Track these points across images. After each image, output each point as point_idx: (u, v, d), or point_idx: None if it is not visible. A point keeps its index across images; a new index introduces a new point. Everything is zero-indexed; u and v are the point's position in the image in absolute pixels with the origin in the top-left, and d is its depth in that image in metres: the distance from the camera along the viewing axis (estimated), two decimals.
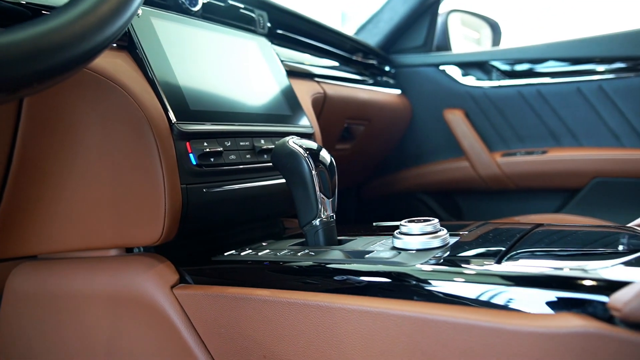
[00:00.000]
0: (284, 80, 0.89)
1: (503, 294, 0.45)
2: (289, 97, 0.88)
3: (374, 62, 1.57)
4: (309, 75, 1.12)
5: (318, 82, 1.14)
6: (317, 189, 0.64)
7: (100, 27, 0.39)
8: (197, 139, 0.65)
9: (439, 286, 0.48)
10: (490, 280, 0.46)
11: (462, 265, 0.50)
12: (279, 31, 1.08)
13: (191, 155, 0.63)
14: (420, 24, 1.68)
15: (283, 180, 0.71)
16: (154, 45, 0.66)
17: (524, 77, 1.53)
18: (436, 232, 0.57)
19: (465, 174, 1.60)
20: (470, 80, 1.60)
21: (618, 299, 0.39)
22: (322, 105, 1.14)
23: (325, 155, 0.66)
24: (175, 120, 0.62)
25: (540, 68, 1.52)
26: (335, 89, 1.20)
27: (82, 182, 0.64)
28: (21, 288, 0.71)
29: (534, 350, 0.40)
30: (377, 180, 1.80)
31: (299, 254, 0.61)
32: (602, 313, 0.39)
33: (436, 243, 0.56)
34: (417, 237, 0.56)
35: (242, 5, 0.90)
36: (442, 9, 1.74)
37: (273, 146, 0.69)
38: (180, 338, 0.59)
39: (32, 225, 0.68)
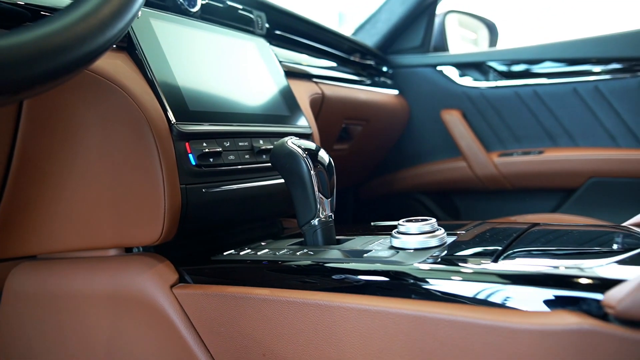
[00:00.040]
0: (282, 81, 0.90)
1: (500, 292, 0.45)
2: (288, 98, 0.88)
3: (371, 62, 1.57)
4: (307, 76, 1.12)
5: (316, 82, 1.15)
6: (316, 189, 0.64)
7: (103, 29, 0.39)
8: (196, 140, 0.65)
9: (436, 285, 0.48)
10: (487, 279, 0.47)
11: (460, 264, 0.50)
12: (277, 32, 1.08)
13: (190, 155, 0.64)
14: (418, 25, 1.69)
15: (282, 181, 0.72)
16: (153, 46, 0.66)
17: (521, 77, 1.54)
18: (434, 231, 0.57)
19: (462, 174, 1.61)
20: (467, 81, 1.61)
21: (612, 296, 0.39)
22: (320, 105, 1.14)
23: (323, 155, 0.66)
24: (174, 120, 0.62)
25: (536, 69, 1.53)
26: (333, 90, 1.21)
27: (82, 182, 0.64)
28: (21, 288, 0.71)
29: (530, 347, 0.41)
30: (375, 180, 1.80)
31: (297, 253, 0.61)
32: (596, 310, 0.40)
33: (434, 242, 0.57)
34: (415, 237, 0.57)
35: (240, 6, 0.91)
36: (440, 9, 1.75)
37: (272, 146, 0.70)
38: (180, 337, 0.59)
39: (32, 225, 0.68)
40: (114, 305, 0.64)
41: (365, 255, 0.56)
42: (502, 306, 0.45)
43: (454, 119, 1.60)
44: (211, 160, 0.66)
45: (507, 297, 0.45)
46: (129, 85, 0.60)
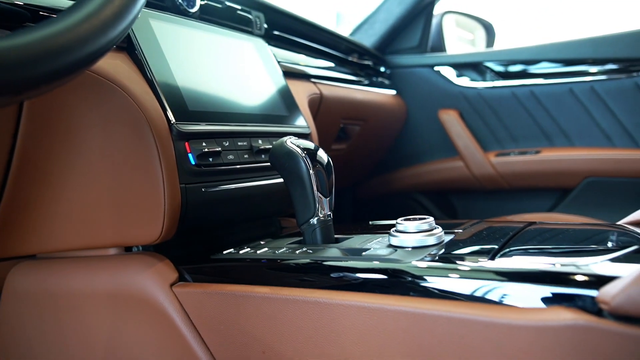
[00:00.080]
0: (280, 81, 0.90)
1: (496, 290, 0.46)
2: (286, 98, 0.88)
3: (369, 62, 1.58)
4: (305, 76, 1.13)
5: (314, 82, 1.15)
6: (315, 188, 0.64)
7: (105, 30, 0.40)
8: (195, 139, 0.65)
9: (434, 282, 0.49)
10: (484, 276, 0.47)
11: (457, 261, 0.51)
12: (276, 32, 1.09)
13: (190, 155, 0.64)
14: (415, 25, 1.69)
15: (281, 180, 0.72)
16: (152, 46, 0.67)
17: (518, 78, 1.55)
18: (431, 230, 0.58)
19: (459, 173, 1.61)
20: (464, 81, 1.61)
21: (606, 292, 0.40)
22: (318, 105, 1.15)
23: (322, 155, 0.67)
24: (174, 120, 0.63)
25: (533, 69, 1.54)
26: (331, 90, 1.21)
27: (82, 182, 0.65)
28: (21, 287, 0.71)
29: (527, 342, 0.41)
30: (373, 180, 1.81)
31: (297, 251, 0.62)
32: (591, 306, 0.41)
33: (431, 241, 0.57)
34: (413, 235, 0.57)
35: (239, 7, 0.91)
36: (437, 10, 1.75)
37: (270, 146, 0.70)
38: (180, 335, 0.60)
39: (32, 224, 0.68)
40: (114, 305, 0.64)
41: (363, 253, 0.57)
42: (499, 303, 0.45)
43: (451, 119, 1.61)
44: (210, 159, 0.66)
45: (504, 294, 0.45)
46: (129, 85, 0.61)
